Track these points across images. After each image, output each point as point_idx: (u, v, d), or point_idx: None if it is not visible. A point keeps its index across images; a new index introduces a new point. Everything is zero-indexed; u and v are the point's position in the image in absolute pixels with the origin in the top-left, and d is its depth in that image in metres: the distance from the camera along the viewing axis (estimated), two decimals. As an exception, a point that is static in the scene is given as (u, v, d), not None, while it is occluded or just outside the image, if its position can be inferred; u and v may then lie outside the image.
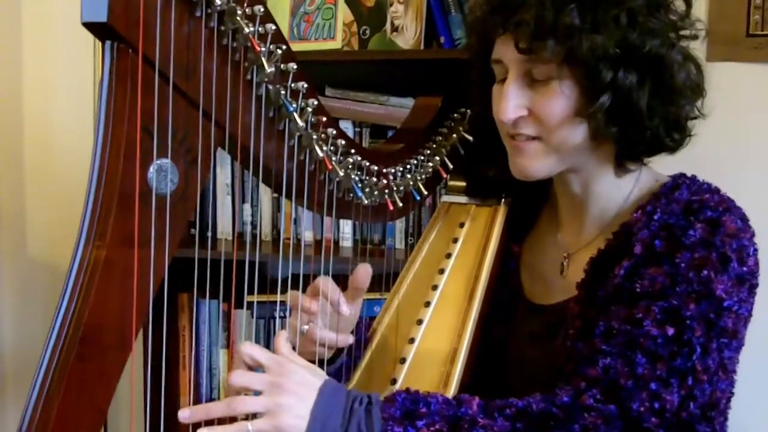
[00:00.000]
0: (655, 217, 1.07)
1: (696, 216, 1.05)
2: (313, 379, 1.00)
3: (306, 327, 1.13)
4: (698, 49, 1.11)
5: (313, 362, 1.11)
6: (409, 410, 0.99)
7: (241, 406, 0.98)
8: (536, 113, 1.09)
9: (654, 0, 1.05)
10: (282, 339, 1.04)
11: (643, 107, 1.05)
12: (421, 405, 1.00)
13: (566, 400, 1.00)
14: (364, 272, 1.15)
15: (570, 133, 1.08)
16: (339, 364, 1.22)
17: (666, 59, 1.04)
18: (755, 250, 1.06)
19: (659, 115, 1.06)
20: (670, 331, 0.99)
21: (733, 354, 1.03)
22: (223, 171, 2.10)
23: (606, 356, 1.01)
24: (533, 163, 1.12)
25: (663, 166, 1.17)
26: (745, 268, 1.03)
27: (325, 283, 1.14)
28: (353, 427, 0.97)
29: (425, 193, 1.26)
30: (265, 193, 2.10)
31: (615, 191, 1.15)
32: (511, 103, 1.09)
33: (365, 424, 0.98)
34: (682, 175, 1.14)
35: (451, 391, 1.12)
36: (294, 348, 1.08)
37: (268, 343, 2.13)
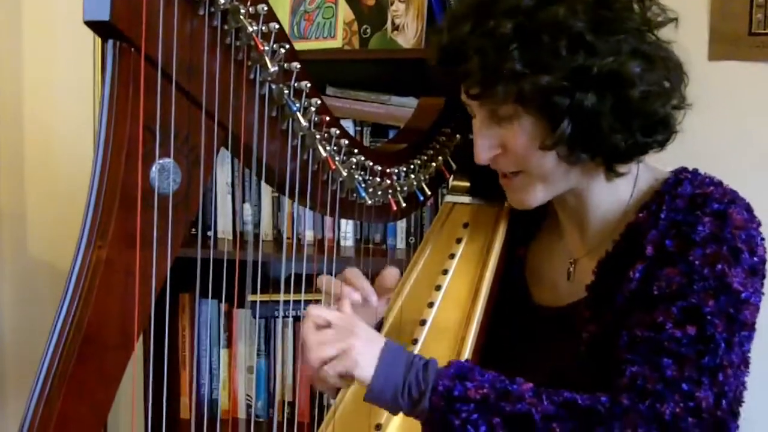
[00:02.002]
0: (662, 216, 1.07)
1: (702, 210, 1.04)
2: (377, 335, 1.06)
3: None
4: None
5: None
6: (463, 372, 1.03)
7: (314, 352, 1.02)
8: (509, 150, 1.09)
9: (598, 15, 1.02)
10: (347, 303, 1.09)
11: (606, 125, 1.03)
12: (476, 372, 1.03)
13: (605, 400, 1.00)
14: (392, 273, 1.20)
15: (545, 162, 1.08)
16: None
17: (622, 73, 1.02)
18: (762, 239, 1.06)
19: (624, 127, 1.04)
20: (692, 330, 0.99)
21: (750, 346, 1.03)
22: (224, 170, 2.09)
23: (633, 364, 1.00)
24: (525, 196, 1.14)
25: (663, 165, 1.16)
26: (756, 258, 1.03)
27: (352, 273, 1.16)
28: (411, 375, 1.02)
29: (428, 193, 1.25)
30: (266, 193, 2.09)
31: (613, 196, 1.14)
32: (481, 145, 1.10)
33: (422, 375, 1.02)
34: (684, 170, 1.13)
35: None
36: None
37: (268, 344, 2.13)
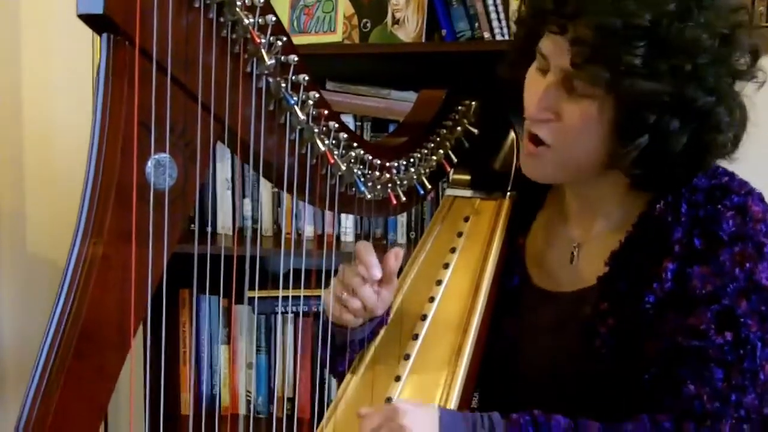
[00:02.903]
0: (682, 210, 1.07)
1: (723, 203, 1.05)
2: (429, 410, 1.02)
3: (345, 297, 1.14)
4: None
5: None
6: None
7: None
8: (563, 121, 1.05)
9: (720, 56, 1.00)
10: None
11: (675, 154, 1.02)
12: (543, 428, 1.01)
13: (667, 425, 1.01)
14: (396, 253, 1.16)
15: (584, 155, 1.06)
16: (363, 335, 1.22)
17: (714, 116, 1.01)
18: None
19: (687, 163, 1.04)
20: (729, 335, 1.00)
21: None
22: (223, 165, 2.08)
23: (685, 383, 1.01)
24: (541, 170, 1.12)
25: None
26: None
27: (363, 247, 1.14)
28: None
29: (429, 187, 1.24)
30: (266, 188, 2.09)
31: (624, 185, 1.13)
32: (541, 102, 1.05)
33: None
34: None
35: (455, 389, 1.11)
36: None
37: (268, 338, 2.12)
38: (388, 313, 1.23)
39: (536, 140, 1.09)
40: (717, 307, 1.01)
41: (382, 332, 1.22)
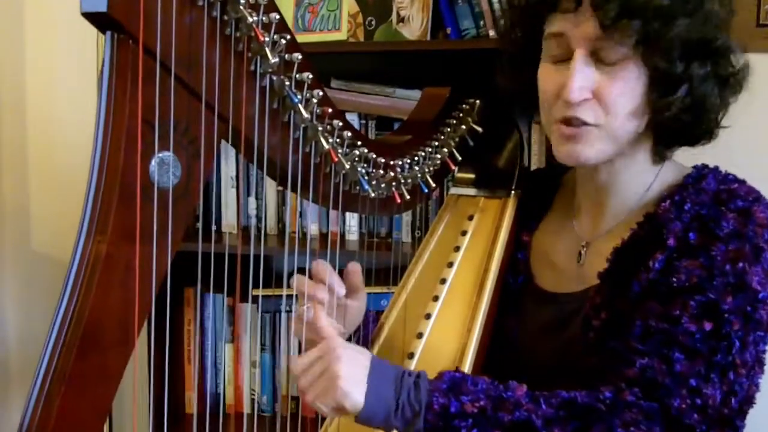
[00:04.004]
0: (686, 207, 1.06)
1: (727, 205, 1.04)
2: (361, 354, 1.03)
3: (306, 307, 1.11)
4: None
5: None
6: (456, 385, 1.02)
7: (306, 394, 1.02)
8: (603, 98, 1.03)
9: None
10: (322, 316, 1.07)
11: (713, 100, 1.04)
12: (468, 382, 1.02)
13: (608, 395, 1.00)
14: (354, 270, 1.16)
15: (632, 122, 1.05)
16: None
17: (730, 53, 1.04)
18: None
19: (720, 107, 1.05)
20: (708, 326, 0.98)
21: (765, 347, 1.03)
22: (228, 164, 2.08)
23: (643, 356, 1.00)
24: (588, 149, 1.06)
25: (674, 157, 1.16)
26: None
27: (317, 266, 1.13)
28: (403, 396, 1.00)
29: (433, 185, 1.24)
30: (270, 187, 2.09)
31: (639, 179, 1.14)
32: (578, 83, 1.03)
33: (414, 394, 1.00)
34: (705, 166, 1.13)
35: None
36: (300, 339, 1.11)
37: (273, 338, 2.12)
38: (366, 325, 1.23)
39: (577, 123, 1.06)
40: (702, 298, 1.00)
41: (386, 331, 1.22)
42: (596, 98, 1.04)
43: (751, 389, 1.01)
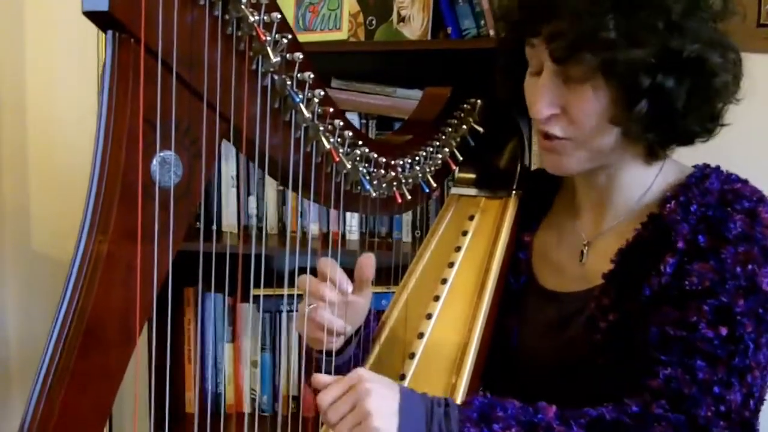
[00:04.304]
0: (692, 209, 1.07)
1: (733, 206, 1.05)
2: (390, 389, 1.01)
3: (311, 307, 1.10)
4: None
5: (321, 351, 1.13)
6: (485, 413, 1.00)
7: (332, 416, 0.99)
8: (569, 114, 1.06)
9: (691, 2, 1.01)
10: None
11: (680, 108, 1.03)
12: (497, 409, 1.01)
13: (636, 409, 1.00)
14: (367, 262, 1.12)
15: (602, 136, 1.07)
16: (348, 357, 1.21)
17: (707, 62, 1.02)
18: None
19: (696, 113, 1.04)
20: (724, 330, 0.99)
21: None
22: (228, 163, 2.08)
23: (666, 366, 1.01)
24: (565, 161, 1.11)
25: (675, 157, 1.16)
26: None
27: (324, 264, 1.12)
28: (435, 427, 0.99)
29: (434, 185, 1.24)
30: (271, 186, 2.09)
31: (640, 180, 1.14)
32: (544, 100, 1.06)
33: (444, 424, 0.99)
34: (707, 165, 1.14)
35: (460, 388, 1.10)
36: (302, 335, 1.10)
37: (273, 337, 2.12)
38: (367, 324, 1.22)
39: (551, 137, 1.09)
40: (715, 302, 1.00)
41: (387, 331, 1.22)
42: (563, 113, 1.07)
43: (764, 390, 1.02)
